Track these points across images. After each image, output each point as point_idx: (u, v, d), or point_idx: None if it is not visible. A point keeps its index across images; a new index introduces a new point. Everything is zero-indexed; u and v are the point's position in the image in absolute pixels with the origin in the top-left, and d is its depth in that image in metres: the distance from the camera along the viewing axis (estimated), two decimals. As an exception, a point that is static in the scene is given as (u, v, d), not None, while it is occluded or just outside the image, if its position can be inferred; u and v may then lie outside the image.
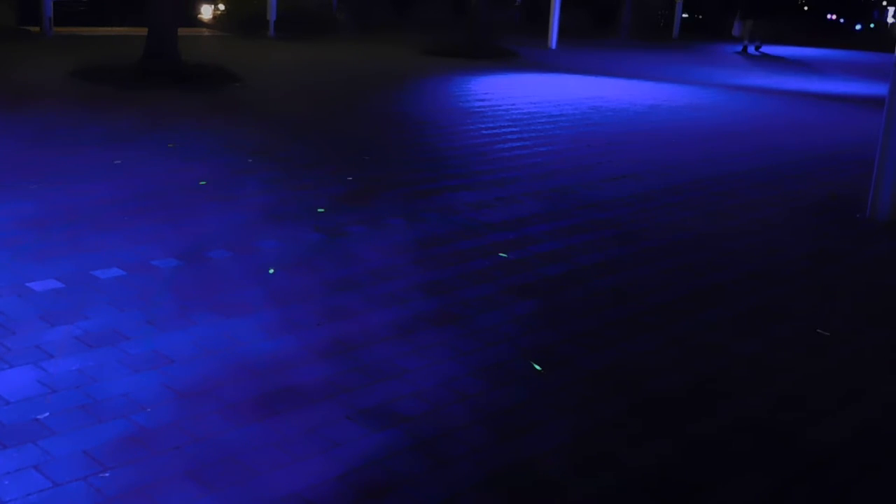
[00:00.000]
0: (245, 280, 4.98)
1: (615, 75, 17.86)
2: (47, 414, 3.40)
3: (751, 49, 27.94)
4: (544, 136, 10.27)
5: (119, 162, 7.53)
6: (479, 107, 12.35)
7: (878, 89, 17.50)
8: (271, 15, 21.76)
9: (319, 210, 5.38)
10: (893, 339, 4.86)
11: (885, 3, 47.44)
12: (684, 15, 34.66)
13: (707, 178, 8.63)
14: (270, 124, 9.92)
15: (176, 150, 8.18)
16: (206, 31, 21.96)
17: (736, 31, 29.30)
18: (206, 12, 23.46)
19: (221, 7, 23.36)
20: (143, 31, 13.47)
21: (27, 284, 4.67)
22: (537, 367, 4.12)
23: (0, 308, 4.34)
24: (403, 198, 7.00)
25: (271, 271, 4.75)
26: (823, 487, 3.30)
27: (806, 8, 43.12)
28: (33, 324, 4.19)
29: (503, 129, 10.55)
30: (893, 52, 7.68)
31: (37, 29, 18.37)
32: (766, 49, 27.81)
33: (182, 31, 14.29)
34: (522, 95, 13.84)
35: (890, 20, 47.29)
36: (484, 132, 10.28)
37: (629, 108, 13.12)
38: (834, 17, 44.34)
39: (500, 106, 12.52)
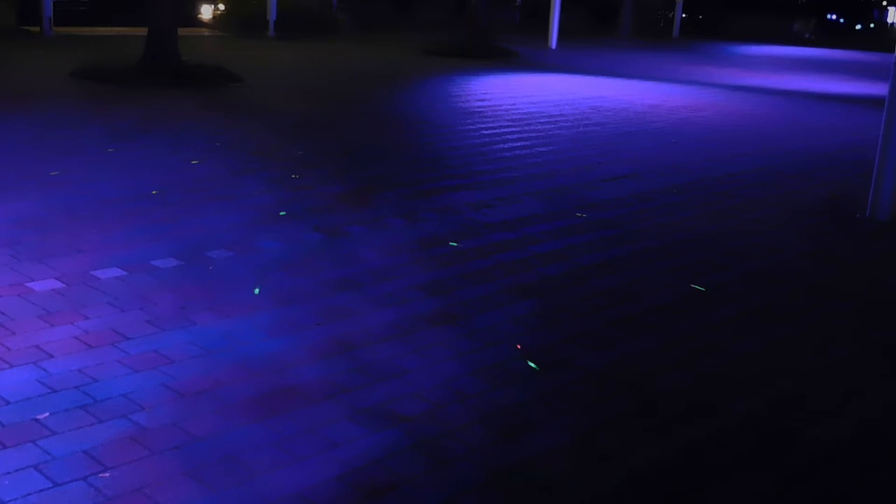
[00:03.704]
0: (245, 280, 4.97)
1: (615, 75, 17.86)
2: (47, 414, 3.40)
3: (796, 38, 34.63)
4: (544, 136, 10.27)
5: (112, 150, 7.53)
6: (479, 107, 12.35)
7: (878, 89, 17.50)
8: (271, 15, 21.77)
9: (282, 213, 5.37)
10: (893, 339, 4.86)
11: (885, 3, 47.43)
12: (684, 15, 34.70)
13: (707, 178, 8.63)
14: (270, 124, 9.92)
15: (176, 149, 8.18)
16: (206, 31, 21.96)
17: (796, 27, 38.63)
18: (206, 12, 23.46)
19: (221, 7, 23.36)
20: (143, 31, 13.47)
21: (27, 284, 4.67)
22: (533, 366, 4.12)
23: (0, 308, 4.34)
24: (403, 198, 7.00)
25: (256, 291, 4.74)
26: (823, 487, 3.30)
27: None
28: (33, 324, 4.19)
29: (503, 129, 10.55)
30: (893, 52, 7.68)
31: (37, 29, 18.37)
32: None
33: (182, 31, 14.29)
34: (522, 95, 13.84)
35: (890, 20, 47.38)
36: (484, 132, 10.28)
37: (629, 108, 13.11)
38: (834, 17, 44.38)
39: (500, 106, 12.53)
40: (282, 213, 5.27)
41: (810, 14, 40.12)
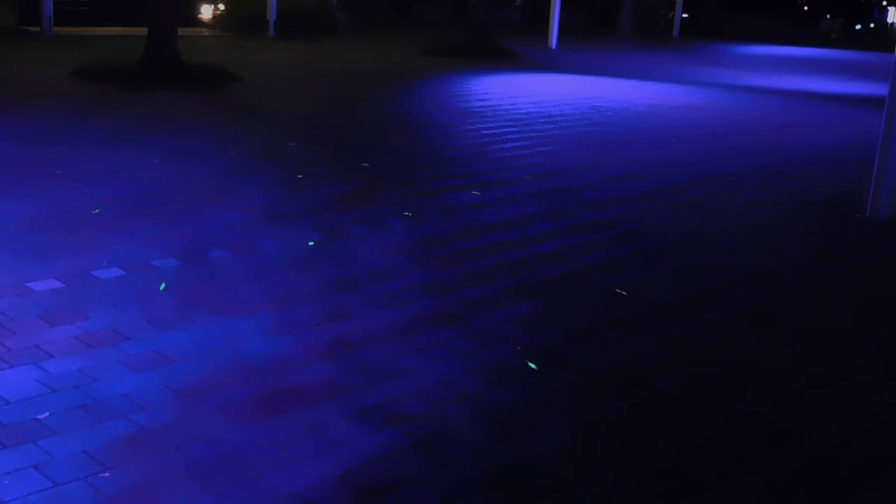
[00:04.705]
0: (245, 280, 4.98)
1: (615, 75, 17.86)
2: (47, 414, 3.40)
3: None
4: (544, 136, 10.27)
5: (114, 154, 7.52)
6: (479, 107, 12.35)
7: (878, 89, 17.50)
8: (271, 15, 21.78)
9: (95, 210, 5.27)
10: (893, 339, 4.86)
11: (885, 3, 47.45)
12: (684, 15, 34.71)
13: (707, 177, 8.63)
14: (270, 124, 9.92)
15: (176, 149, 8.18)
16: (206, 31, 21.97)
17: (824, 26, 42.97)
18: (206, 12, 23.47)
19: (221, 7, 23.37)
20: (143, 31, 13.47)
21: (27, 284, 4.67)
22: (533, 366, 4.12)
23: (0, 308, 4.34)
24: (404, 198, 7.00)
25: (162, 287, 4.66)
26: (823, 487, 3.30)
27: (806, 8, 43.22)
28: (33, 324, 4.19)
29: (503, 129, 10.55)
30: (893, 52, 7.68)
31: (37, 29, 18.38)
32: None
33: (182, 31, 14.29)
34: (522, 95, 13.84)
35: (890, 20, 47.51)
36: (484, 132, 10.28)
37: (629, 108, 13.12)
38: (831, 17, 44.45)
39: (500, 106, 12.53)
40: (159, 264, 5.18)
41: (835, 15, 43.72)
